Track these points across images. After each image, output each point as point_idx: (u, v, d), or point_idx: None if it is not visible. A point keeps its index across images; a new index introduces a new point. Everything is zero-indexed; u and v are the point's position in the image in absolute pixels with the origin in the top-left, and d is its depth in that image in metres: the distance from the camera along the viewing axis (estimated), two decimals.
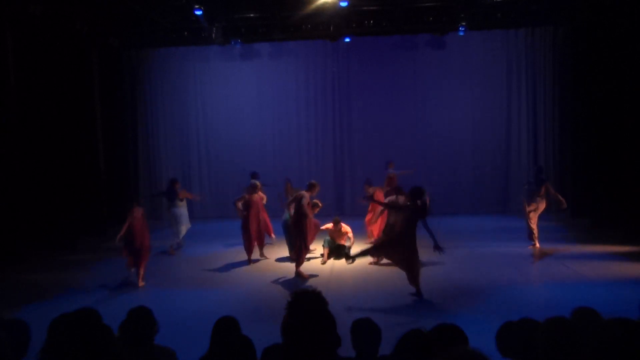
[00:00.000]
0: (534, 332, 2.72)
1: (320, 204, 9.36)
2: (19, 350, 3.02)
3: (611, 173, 11.39)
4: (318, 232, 9.40)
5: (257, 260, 9.86)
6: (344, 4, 11.31)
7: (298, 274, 8.64)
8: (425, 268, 9.04)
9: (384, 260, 8.84)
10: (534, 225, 9.98)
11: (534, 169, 11.27)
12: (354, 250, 9.47)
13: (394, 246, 7.53)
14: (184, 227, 10.89)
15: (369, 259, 9.10)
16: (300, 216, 8.54)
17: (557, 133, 14.23)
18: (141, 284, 8.47)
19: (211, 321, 3.48)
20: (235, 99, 15.15)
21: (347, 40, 14.16)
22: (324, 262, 9.66)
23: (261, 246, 10.06)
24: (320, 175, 13.10)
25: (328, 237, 9.91)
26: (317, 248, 10.14)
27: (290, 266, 9.23)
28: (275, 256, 10.14)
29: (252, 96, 15.15)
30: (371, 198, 9.70)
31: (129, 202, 9.06)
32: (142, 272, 8.49)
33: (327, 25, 13.20)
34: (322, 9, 12.05)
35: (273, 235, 10.48)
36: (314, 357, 2.11)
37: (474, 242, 10.83)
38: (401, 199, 8.19)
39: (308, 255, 9.39)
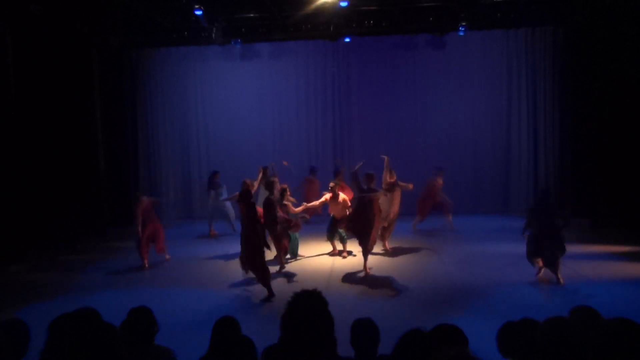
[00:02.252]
0: (534, 332, 2.72)
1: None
2: (18, 351, 3.02)
3: (611, 173, 11.40)
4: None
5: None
6: (344, 4, 11.30)
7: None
8: (426, 268, 9.07)
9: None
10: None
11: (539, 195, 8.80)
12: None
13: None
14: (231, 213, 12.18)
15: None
16: (270, 220, 8.60)
17: (557, 133, 14.22)
18: (168, 257, 9.94)
19: (211, 321, 3.49)
20: (235, 99, 15.14)
21: (347, 40, 14.15)
22: (341, 255, 9.89)
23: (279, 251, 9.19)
24: (320, 175, 13.10)
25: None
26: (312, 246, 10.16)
27: (292, 267, 9.26)
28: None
29: (252, 96, 15.14)
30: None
31: (135, 195, 10.14)
32: (164, 249, 9.84)
33: (327, 25, 13.18)
34: (322, 9, 12.04)
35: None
36: (313, 356, 2.11)
37: (474, 242, 10.83)
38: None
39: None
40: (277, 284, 8.48)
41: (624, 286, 7.57)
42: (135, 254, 9.64)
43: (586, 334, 2.49)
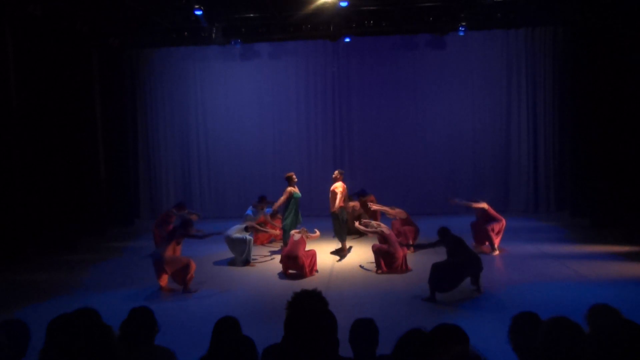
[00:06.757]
0: (539, 330, 2.71)
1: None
2: (18, 351, 3.02)
3: (611, 173, 11.40)
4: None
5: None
6: (344, 4, 11.31)
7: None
8: (426, 268, 9.04)
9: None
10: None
11: None
12: None
13: None
14: None
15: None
16: None
17: (557, 133, 14.23)
18: None
19: (211, 321, 3.49)
20: (235, 99, 15.15)
21: (347, 40, 14.16)
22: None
23: None
24: (320, 176, 13.11)
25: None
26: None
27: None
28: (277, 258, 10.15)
29: (252, 96, 15.15)
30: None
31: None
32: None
33: (327, 25, 13.19)
34: (322, 9, 12.04)
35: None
36: (314, 356, 2.11)
37: (473, 242, 10.81)
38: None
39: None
40: (277, 284, 8.48)
41: (624, 286, 7.56)
42: (134, 254, 10.61)
43: (597, 335, 2.48)
